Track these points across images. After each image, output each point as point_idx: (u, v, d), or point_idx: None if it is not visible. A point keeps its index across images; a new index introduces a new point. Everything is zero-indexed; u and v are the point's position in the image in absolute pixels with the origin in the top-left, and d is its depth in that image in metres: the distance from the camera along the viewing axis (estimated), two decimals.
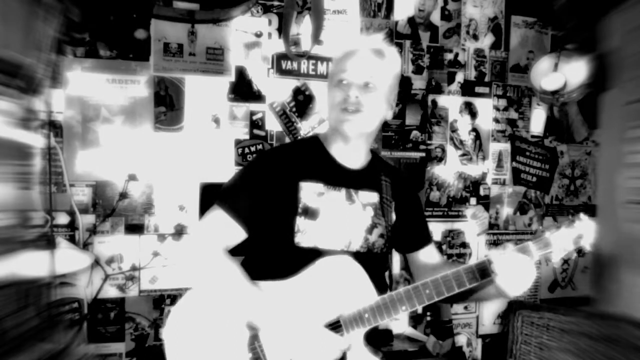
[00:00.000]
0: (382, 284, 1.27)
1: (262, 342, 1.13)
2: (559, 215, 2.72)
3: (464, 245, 2.57)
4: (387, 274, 1.37)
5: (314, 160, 1.30)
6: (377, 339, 1.25)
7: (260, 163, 1.31)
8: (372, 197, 1.30)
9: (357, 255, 1.21)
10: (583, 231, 1.12)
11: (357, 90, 1.22)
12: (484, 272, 1.11)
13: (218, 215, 1.21)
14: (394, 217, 1.34)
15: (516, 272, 1.08)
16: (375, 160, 1.40)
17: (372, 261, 1.25)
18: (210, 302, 1.18)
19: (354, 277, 1.16)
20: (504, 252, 1.10)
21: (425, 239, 1.43)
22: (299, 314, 1.11)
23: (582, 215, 1.13)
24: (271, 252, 1.26)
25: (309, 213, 1.21)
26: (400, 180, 1.40)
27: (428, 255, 1.41)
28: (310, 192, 1.23)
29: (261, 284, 1.17)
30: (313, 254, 1.17)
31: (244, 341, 1.14)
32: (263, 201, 1.22)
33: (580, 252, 1.11)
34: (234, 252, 1.24)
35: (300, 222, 1.20)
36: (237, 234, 1.22)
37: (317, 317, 1.13)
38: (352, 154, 1.31)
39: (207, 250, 1.18)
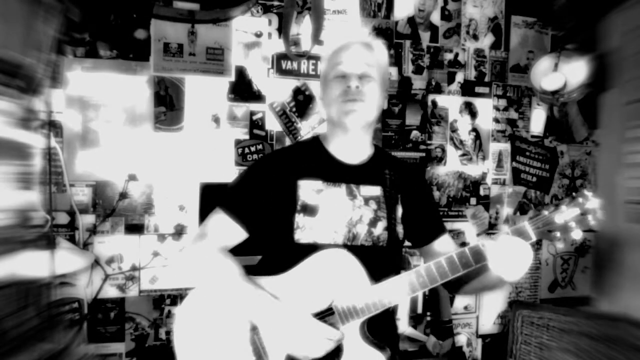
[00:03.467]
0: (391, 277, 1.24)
1: (261, 336, 1.17)
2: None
3: (464, 245, 2.56)
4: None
5: (312, 159, 1.32)
6: (382, 336, 1.24)
7: (260, 165, 1.35)
8: (375, 190, 1.31)
9: (363, 249, 1.23)
10: (588, 207, 1.06)
11: (357, 80, 1.24)
12: (478, 256, 1.11)
13: (218, 216, 1.27)
14: (400, 210, 1.33)
15: (510, 255, 1.04)
16: (378, 154, 1.39)
17: (378, 255, 1.26)
18: (209, 300, 1.22)
19: (348, 268, 1.17)
20: (497, 236, 1.08)
21: (438, 229, 1.40)
22: (292, 307, 1.13)
23: (585, 191, 1.08)
24: (273, 250, 1.31)
25: (308, 210, 1.23)
26: (407, 173, 1.40)
27: (444, 246, 1.38)
28: (308, 189, 1.25)
29: (256, 280, 1.20)
30: (312, 250, 1.19)
31: (246, 335, 1.18)
32: (263, 201, 1.26)
33: (588, 230, 1.05)
34: (250, 251, 1.31)
35: (300, 219, 1.22)
36: (237, 233, 1.26)
37: (311, 309, 1.15)
38: (352, 149, 1.33)
39: (203, 250, 1.23)
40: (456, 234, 2.56)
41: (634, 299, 2.19)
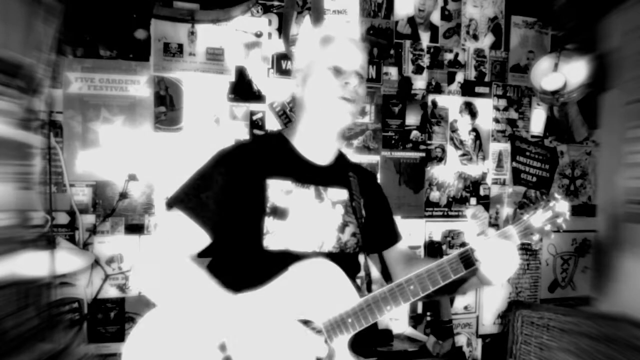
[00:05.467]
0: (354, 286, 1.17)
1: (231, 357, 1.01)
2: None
3: (464, 245, 2.56)
4: (361, 275, 1.29)
5: (280, 156, 1.20)
6: (369, 340, 1.20)
7: (221, 160, 1.16)
8: (342, 194, 1.23)
9: (330, 257, 1.13)
10: (559, 211, 1.09)
11: (357, 78, 1.16)
12: (468, 261, 1.05)
13: (178, 218, 1.07)
14: (364, 214, 1.27)
15: (500, 258, 1.03)
16: (341, 156, 1.32)
17: (344, 262, 1.16)
18: (178, 317, 1.05)
19: (333, 279, 1.07)
20: (486, 239, 1.05)
21: (397, 234, 1.38)
22: (274, 314, 1.00)
23: (556, 195, 1.12)
24: (237, 258, 1.14)
25: (278, 213, 1.11)
26: (366, 177, 1.36)
27: (402, 251, 1.36)
28: (278, 190, 1.13)
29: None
30: (284, 258, 1.08)
31: (215, 356, 1.02)
32: (227, 201, 1.09)
33: (558, 230, 1.10)
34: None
35: (269, 222, 1.10)
36: (201, 238, 1.08)
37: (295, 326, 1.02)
38: (322, 149, 1.23)
39: (169, 258, 1.04)
40: (456, 234, 2.56)
41: (633, 299, 2.19)
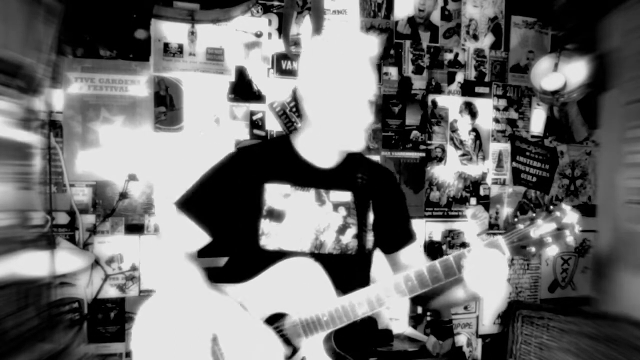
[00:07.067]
0: (359, 288, 1.18)
1: (221, 346, 1.13)
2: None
3: (464, 245, 2.57)
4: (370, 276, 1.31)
5: (280, 160, 1.25)
6: (369, 340, 1.22)
7: (224, 165, 1.25)
8: (345, 196, 1.25)
9: (330, 258, 1.19)
10: (565, 223, 0.97)
11: (369, 107, 1.18)
12: (448, 270, 1.03)
13: (180, 219, 1.19)
14: (371, 216, 1.28)
15: (486, 268, 0.97)
16: (351, 157, 1.31)
17: (346, 264, 1.21)
18: (171, 307, 1.18)
19: (314, 278, 1.12)
20: (470, 249, 1.01)
21: (405, 237, 1.34)
22: (251, 319, 1.09)
23: (563, 205, 0.99)
24: (237, 256, 1.28)
25: (274, 215, 1.18)
26: (380, 177, 1.34)
27: (409, 256, 1.33)
28: (275, 193, 1.20)
29: (219, 287, 1.16)
30: (278, 257, 1.15)
31: (207, 345, 1.14)
32: (227, 204, 1.20)
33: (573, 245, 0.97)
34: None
35: (265, 224, 1.18)
36: (200, 237, 1.20)
37: (272, 320, 1.12)
38: (326, 153, 1.26)
39: (166, 255, 1.18)
40: (456, 234, 2.56)
41: (633, 300, 2.19)
